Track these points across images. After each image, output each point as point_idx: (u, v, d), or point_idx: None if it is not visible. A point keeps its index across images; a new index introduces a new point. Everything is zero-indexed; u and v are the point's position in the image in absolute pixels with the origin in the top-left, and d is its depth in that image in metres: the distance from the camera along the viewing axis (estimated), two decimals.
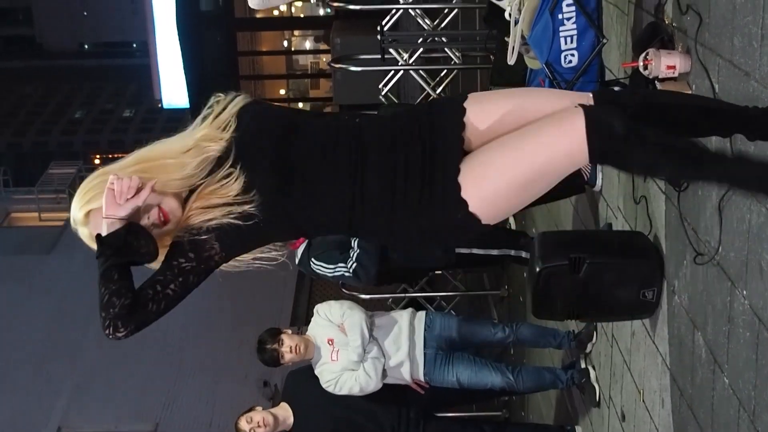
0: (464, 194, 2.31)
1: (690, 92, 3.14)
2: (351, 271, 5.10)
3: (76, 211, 2.36)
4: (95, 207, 2.31)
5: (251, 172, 2.31)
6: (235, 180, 2.30)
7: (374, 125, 2.44)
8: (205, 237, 2.29)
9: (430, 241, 2.48)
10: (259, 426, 4.87)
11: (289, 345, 4.85)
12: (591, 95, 2.41)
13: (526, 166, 2.29)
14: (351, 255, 5.08)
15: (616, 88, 2.76)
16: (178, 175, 2.32)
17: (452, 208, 2.32)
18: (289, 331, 4.98)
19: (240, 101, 2.45)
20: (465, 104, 2.41)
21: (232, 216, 2.28)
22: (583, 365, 5.00)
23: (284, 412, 5.04)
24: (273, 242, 2.45)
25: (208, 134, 2.38)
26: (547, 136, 2.28)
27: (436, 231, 2.38)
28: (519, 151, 2.30)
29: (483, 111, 2.40)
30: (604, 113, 2.29)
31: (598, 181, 4.45)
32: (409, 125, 2.41)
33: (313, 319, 5.08)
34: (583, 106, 2.31)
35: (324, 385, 4.88)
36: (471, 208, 2.31)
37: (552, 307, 3.88)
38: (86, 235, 2.37)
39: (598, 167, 4.41)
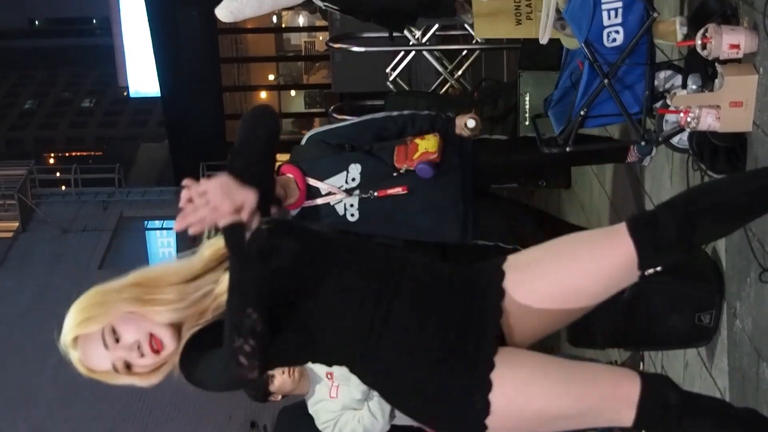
0: (492, 396, 2.44)
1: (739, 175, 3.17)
2: None
3: (65, 332, 2.48)
4: (86, 333, 2.45)
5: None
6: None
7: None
8: None
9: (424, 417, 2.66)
10: None
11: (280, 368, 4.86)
12: (625, 225, 2.51)
13: (564, 406, 2.46)
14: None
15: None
16: (175, 306, 2.45)
17: (470, 402, 2.46)
18: None
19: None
20: (504, 284, 2.54)
21: None
22: None
23: None
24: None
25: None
26: (596, 396, 2.48)
27: (438, 412, 2.54)
28: (565, 387, 2.47)
29: (523, 294, 2.53)
30: (660, 384, 2.52)
31: (647, 159, 4.58)
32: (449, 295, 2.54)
33: None
34: (641, 374, 2.51)
35: (321, 427, 4.88)
36: (488, 419, 2.46)
37: (591, 334, 3.88)
38: (76, 359, 2.50)
39: (650, 155, 4.48)
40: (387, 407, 4.87)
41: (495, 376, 2.45)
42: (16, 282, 16.43)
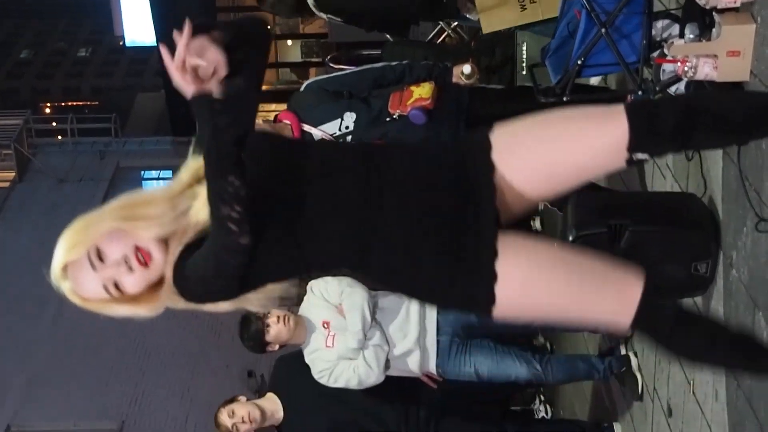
0: (497, 289, 2.45)
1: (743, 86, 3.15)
2: None
3: (54, 264, 2.47)
4: (73, 259, 2.43)
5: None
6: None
7: (392, 155, 2.55)
8: None
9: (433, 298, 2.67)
10: (243, 422, 4.90)
11: (276, 315, 4.86)
12: (623, 106, 2.49)
13: (568, 303, 2.49)
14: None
15: (654, 96, 2.79)
16: (159, 221, 2.43)
17: (476, 287, 2.46)
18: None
19: None
20: (492, 156, 2.52)
21: None
22: (623, 352, 5.02)
23: (272, 404, 5.07)
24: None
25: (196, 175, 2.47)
26: (599, 292, 2.50)
27: (446, 295, 2.55)
28: (568, 287, 2.48)
29: (512, 161, 2.52)
30: (658, 295, 2.53)
31: None
32: (435, 170, 2.52)
33: (306, 297, 5.07)
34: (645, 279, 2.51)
35: (316, 376, 4.88)
36: (495, 303, 2.47)
37: None
38: (68, 290, 2.48)
39: None
40: (382, 357, 4.88)
41: (499, 267, 2.44)
42: (13, 232, 16.41)
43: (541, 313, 2.56)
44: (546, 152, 2.51)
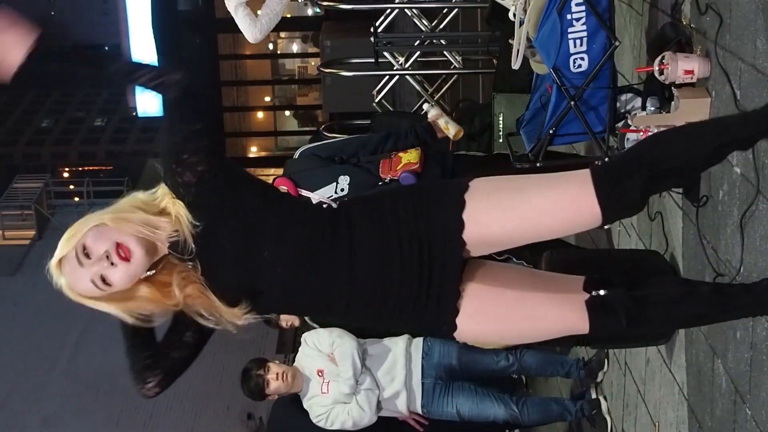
0: (459, 320, 2.52)
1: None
2: None
3: (52, 259, 2.46)
4: (63, 254, 2.42)
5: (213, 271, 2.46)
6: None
7: (358, 206, 2.57)
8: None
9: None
10: None
11: (275, 372, 4.84)
12: (591, 179, 2.43)
13: (520, 320, 2.55)
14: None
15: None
16: (139, 221, 2.44)
17: (441, 321, 2.53)
18: (277, 361, 4.99)
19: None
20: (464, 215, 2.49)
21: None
22: (593, 395, 4.99)
23: None
24: None
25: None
26: (550, 310, 2.54)
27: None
28: (522, 308, 2.53)
29: (483, 210, 2.49)
30: (609, 305, 2.54)
31: None
32: (403, 214, 2.50)
33: (300, 348, 5.07)
34: (589, 297, 2.56)
35: (314, 420, 4.88)
36: (457, 331, 2.54)
37: None
38: (64, 285, 2.45)
39: None
40: (374, 400, 4.87)
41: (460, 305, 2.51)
42: (32, 285, 16.34)
43: (501, 335, 2.62)
44: (519, 217, 2.47)
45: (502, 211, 2.46)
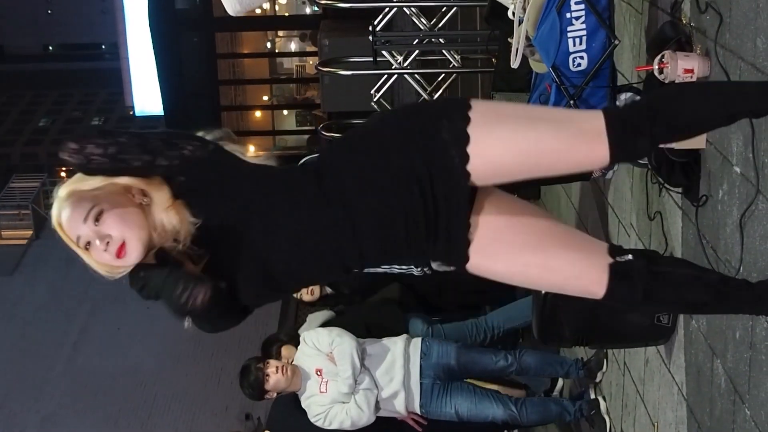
0: (471, 251, 2.45)
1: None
2: None
3: (64, 186, 2.42)
4: (79, 198, 2.36)
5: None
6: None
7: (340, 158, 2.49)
8: None
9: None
10: None
11: (275, 365, 4.85)
12: (605, 128, 2.40)
13: (530, 266, 2.47)
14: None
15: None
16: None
17: (452, 252, 2.46)
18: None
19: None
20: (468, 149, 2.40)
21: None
22: (592, 396, 4.99)
23: None
24: None
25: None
26: (565, 265, 2.47)
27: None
28: (536, 254, 2.46)
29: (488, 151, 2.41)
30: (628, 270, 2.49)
31: (610, 173, 4.50)
32: (403, 165, 2.42)
33: (299, 348, 5.07)
34: (614, 261, 2.49)
35: (313, 419, 4.88)
36: (469, 263, 2.47)
37: (559, 333, 3.87)
38: (56, 211, 2.40)
39: (612, 169, 4.45)
40: (372, 400, 4.87)
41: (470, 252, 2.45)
42: (30, 284, 16.35)
43: (509, 277, 2.52)
44: (523, 156, 2.42)
45: (511, 145, 2.40)
